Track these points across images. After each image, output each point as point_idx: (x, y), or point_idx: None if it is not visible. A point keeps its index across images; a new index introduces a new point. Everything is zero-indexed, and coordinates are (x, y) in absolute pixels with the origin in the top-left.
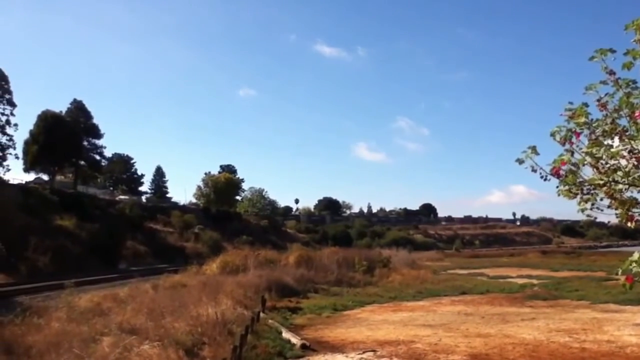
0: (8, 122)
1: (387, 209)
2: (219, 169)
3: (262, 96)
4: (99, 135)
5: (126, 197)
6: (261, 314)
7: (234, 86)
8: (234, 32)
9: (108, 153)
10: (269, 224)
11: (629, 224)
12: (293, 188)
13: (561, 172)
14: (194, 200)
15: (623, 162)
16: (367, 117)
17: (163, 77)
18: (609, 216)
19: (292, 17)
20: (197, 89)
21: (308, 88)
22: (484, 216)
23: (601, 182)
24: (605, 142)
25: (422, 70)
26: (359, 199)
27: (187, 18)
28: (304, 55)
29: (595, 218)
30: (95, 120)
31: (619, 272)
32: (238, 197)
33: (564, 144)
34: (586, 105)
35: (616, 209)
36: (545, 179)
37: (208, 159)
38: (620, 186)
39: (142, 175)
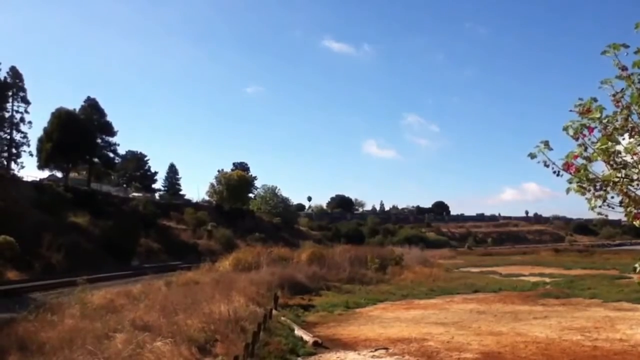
0: (22, 120)
1: (400, 207)
2: (231, 166)
3: (271, 93)
4: (112, 133)
5: (139, 194)
6: (274, 311)
7: (242, 84)
8: (241, 29)
9: (121, 150)
10: (282, 222)
11: (635, 223)
12: (306, 186)
13: (573, 167)
14: (206, 198)
15: (635, 158)
16: (376, 113)
17: (173, 75)
18: (620, 214)
19: (299, 13)
20: (206, 87)
21: (315, 84)
22: (497, 214)
23: (616, 179)
24: (617, 138)
25: (431, 66)
26: (372, 196)
27: (193, 15)
28: (311, 52)
29: (606, 216)
30: (108, 118)
31: (637, 269)
32: (251, 195)
33: (577, 139)
34: (595, 100)
35: (627, 207)
36: (557, 174)
37: (221, 156)
38: (635, 183)
39: (156, 173)
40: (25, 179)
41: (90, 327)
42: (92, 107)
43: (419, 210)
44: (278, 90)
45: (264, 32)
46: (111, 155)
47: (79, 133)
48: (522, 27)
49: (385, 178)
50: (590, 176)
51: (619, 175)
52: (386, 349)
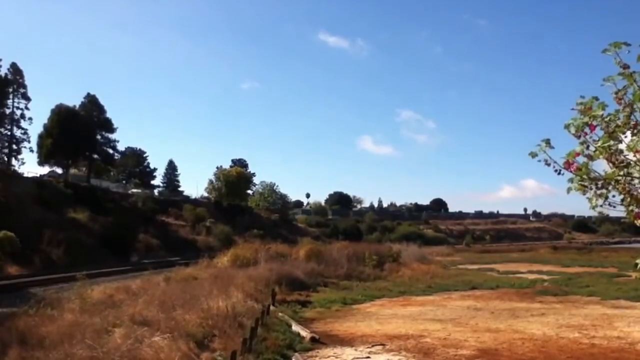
0: (23, 116)
1: (398, 204)
2: (230, 163)
3: (266, 89)
4: (112, 129)
5: (139, 190)
6: (271, 307)
7: (237, 80)
8: (236, 23)
9: (121, 147)
10: (280, 218)
11: (636, 222)
12: (304, 182)
13: (574, 165)
14: (205, 194)
15: (638, 156)
16: (371, 109)
17: (172, 72)
18: (621, 212)
19: (294, 7)
20: (204, 83)
21: (311, 79)
22: (495, 211)
23: (619, 177)
24: (619, 136)
25: (428, 61)
26: (370, 193)
27: (189, 10)
28: (306, 46)
29: (607, 214)
30: (108, 115)
31: (638, 265)
32: (249, 191)
33: (578, 137)
34: (596, 98)
35: (628, 205)
36: (559, 173)
37: (220, 153)
38: (637, 182)
39: (155, 169)
40: (25, 175)
41: (90, 322)
42: (91, 103)
43: (417, 207)
44: (273, 86)
45: (259, 26)
46: (111, 151)
47: (79, 129)
48: (522, 19)
49: (383, 175)
50: (592, 175)
51: (621, 173)
52: (383, 345)
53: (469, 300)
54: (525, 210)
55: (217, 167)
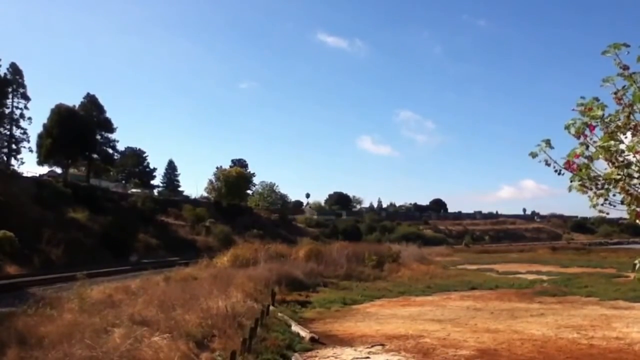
0: (22, 116)
1: (397, 204)
2: (230, 163)
3: (265, 89)
4: (111, 129)
5: (138, 190)
6: (271, 307)
7: (236, 79)
8: (235, 23)
9: (121, 147)
10: (280, 218)
11: (638, 221)
12: (304, 182)
13: (575, 165)
14: (205, 194)
15: (638, 157)
16: (370, 109)
17: (171, 71)
18: (621, 212)
19: (292, 7)
20: (204, 83)
21: (309, 79)
22: (494, 212)
23: (617, 177)
24: (619, 137)
25: (427, 61)
26: (370, 193)
27: (188, 10)
28: (305, 46)
29: (607, 214)
30: (108, 114)
31: (637, 265)
32: (249, 191)
33: (579, 138)
34: (596, 99)
35: (629, 205)
36: (559, 173)
37: (219, 153)
38: (635, 181)
39: (154, 169)
40: (25, 175)
41: (89, 322)
42: (91, 103)
43: (417, 207)
44: (272, 86)
45: (258, 26)
46: (110, 151)
47: (79, 129)
48: (522, 19)
49: (383, 175)
50: (592, 174)
51: (620, 173)
52: (382, 345)
53: (468, 300)
54: (524, 210)
55: (217, 167)
